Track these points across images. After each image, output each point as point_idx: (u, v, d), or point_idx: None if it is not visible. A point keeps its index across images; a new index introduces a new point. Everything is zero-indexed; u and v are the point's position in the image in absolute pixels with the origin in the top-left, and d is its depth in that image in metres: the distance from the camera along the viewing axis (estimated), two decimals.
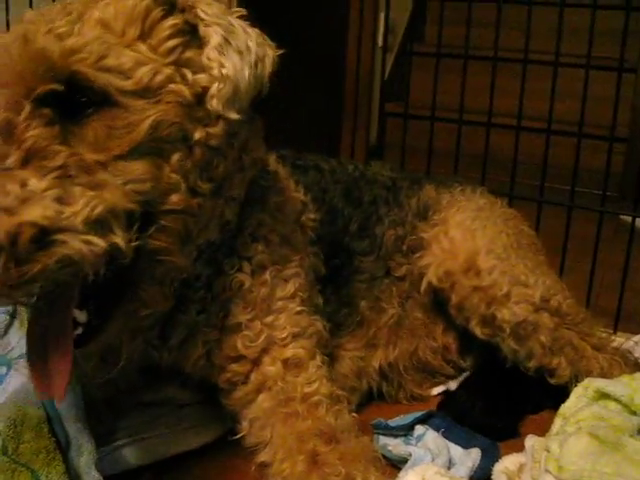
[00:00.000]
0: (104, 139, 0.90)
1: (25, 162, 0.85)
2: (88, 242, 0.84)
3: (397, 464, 1.25)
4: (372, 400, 1.48)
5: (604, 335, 1.54)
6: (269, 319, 1.17)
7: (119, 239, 0.88)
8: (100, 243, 0.85)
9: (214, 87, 0.98)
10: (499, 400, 1.43)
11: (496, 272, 1.42)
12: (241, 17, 1.05)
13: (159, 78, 0.94)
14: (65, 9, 0.96)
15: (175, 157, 0.96)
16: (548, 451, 1.10)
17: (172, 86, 0.96)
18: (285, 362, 1.16)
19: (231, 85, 0.99)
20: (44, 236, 0.81)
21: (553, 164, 1.95)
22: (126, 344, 1.09)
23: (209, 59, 0.99)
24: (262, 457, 1.12)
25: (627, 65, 1.87)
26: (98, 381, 1.18)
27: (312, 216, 1.33)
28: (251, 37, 1.03)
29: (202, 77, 0.99)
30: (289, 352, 1.16)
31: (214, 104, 0.98)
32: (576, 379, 1.38)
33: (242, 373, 1.17)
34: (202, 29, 1.00)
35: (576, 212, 1.89)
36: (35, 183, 0.83)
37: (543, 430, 1.22)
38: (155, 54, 0.96)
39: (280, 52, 1.06)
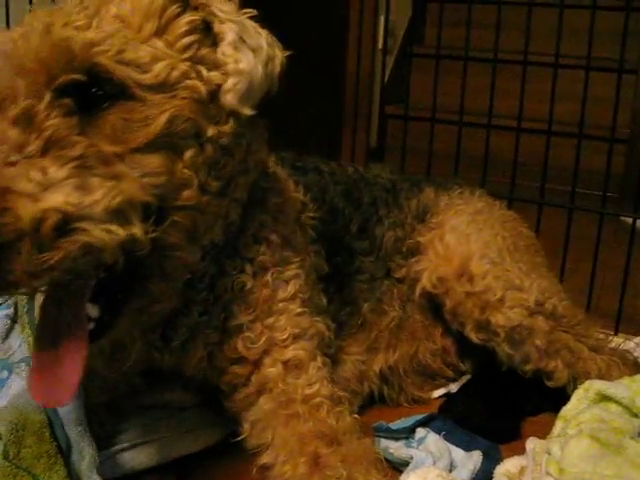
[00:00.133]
0: (121, 131, 0.90)
1: (44, 151, 0.85)
2: (109, 231, 0.85)
3: (399, 467, 1.25)
4: (373, 403, 1.47)
5: (601, 336, 1.53)
6: (270, 320, 1.17)
7: (137, 230, 0.88)
8: (120, 232, 0.86)
9: (229, 82, 0.99)
10: (499, 402, 1.43)
11: (489, 277, 1.41)
12: (251, 18, 1.06)
13: (175, 73, 0.95)
14: (81, 4, 0.96)
15: (188, 153, 0.96)
16: (549, 453, 1.10)
17: (188, 82, 0.96)
18: (286, 364, 1.15)
19: (246, 80, 1.00)
20: (66, 224, 0.81)
21: (553, 165, 1.96)
22: (136, 341, 1.11)
23: (225, 54, 1.00)
24: (264, 459, 1.12)
25: (627, 66, 1.87)
26: (112, 376, 1.19)
27: (312, 214, 1.33)
28: (262, 37, 1.04)
29: (215, 74, 1.00)
30: (290, 353, 1.16)
31: (229, 98, 0.99)
32: (574, 381, 1.38)
33: (243, 375, 1.17)
34: (217, 26, 1.01)
35: (577, 213, 1.89)
36: (55, 171, 0.84)
37: (544, 433, 1.22)
38: (171, 50, 0.96)
39: (287, 54, 1.07)
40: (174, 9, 0.99)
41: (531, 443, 1.20)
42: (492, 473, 1.20)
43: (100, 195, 0.85)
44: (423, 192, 1.60)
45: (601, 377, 1.36)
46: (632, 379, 1.25)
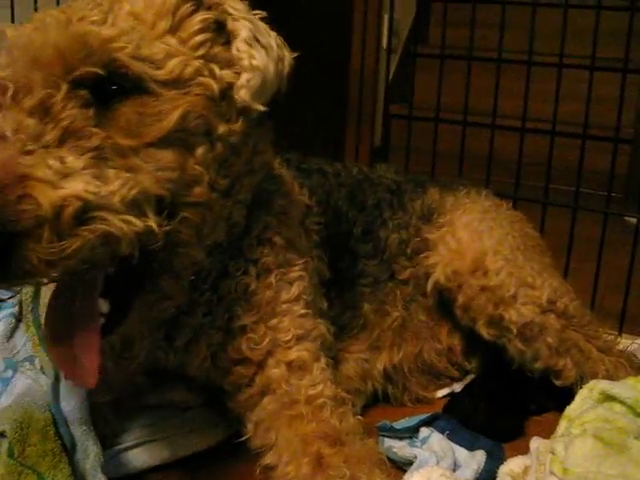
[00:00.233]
0: (136, 125, 0.91)
1: (61, 141, 0.86)
2: (127, 221, 0.86)
3: (402, 466, 1.25)
4: (377, 402, 1.48)
5: (610, 337, 1.54)
6: (273, 322, 1.17)
7: (152, 223, 0.89)
8: (138, 223, 0.87)
9: (243, 77, 1.00)
10: (503, 402, 1.43)
11: (504, 273, 1.42)
12: (261, 19, 1.07)
13: (189, 70, 0.96)
14: (94, 1, 0.97)
15: (200, 150, 0.97)
16: (553, 453, 1.10)
17: (200, 79, 0.97)
18: (289, 365, 1.16)
19: (260, 77, 1.01)
20: (85, 212, 0.82)
21: (557, 165, 1.95)
22: (145, 338, 1.12)
23: (239, 50, 1.01)
24: (267, 460, 1.12)
25: (632, 66, 1.85)
26: (119, 375, 1.20)
27: (316, 219, 1.33)
28: (272, 36, 1.05)
29: (227, 73, 1.01)
30: (293, 355, 1.16)
31: (242, 94, 1.00)
32: (581, 381, 1.38)
33: (247, 375, 1.18)
34: (231, 23, 1.02)
35: (581, 213, 1.89)
36: (73, 161, 0.84)
37: (548, 432, 1.22)
38: (184, 47, 0.97)
39: (294, 55, 1.08)
40: (187, 7, 1.00)
41: (535, 443, 1.20)
42: (496, 473, 1.20)
43: (117, 186, 0.86)
44: (427, 193, 1.60)
45: (608, 378, 1.36)
46: (637, 379, 1.24)
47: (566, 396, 1.29)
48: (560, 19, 1.85)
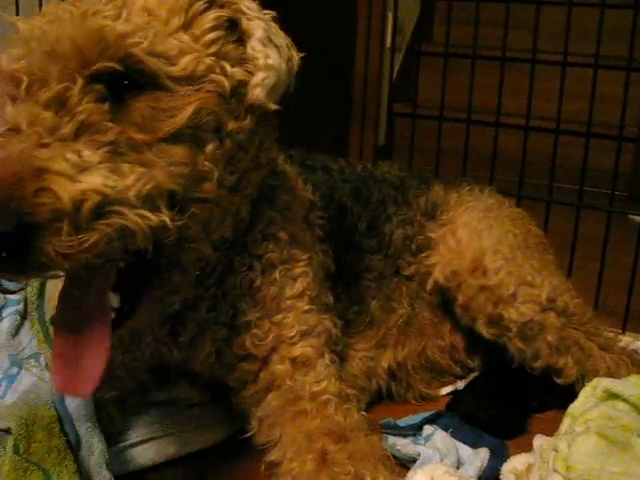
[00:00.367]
0: (149, 120, 0.91)
1: (77, 135, 0.86)
2: (143, 216, 0.86)
3: (406, 464, 1.25)
4: (381, 400, 1.48)
5: (611, 335, 1.54)
6: (278, 318, 1.17)
7: (165, 217, 0.90)
8: (153, 218, 0.87)
9: (259, 76, 1.01)
10: (506, 400, 1.43)
11: (503, 272, 1.42)
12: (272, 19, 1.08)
13: (201, 67, 0.96)
14: None
15: (210, 146, 0.98)
16: (556, 451, 1.10)
17: (213, 76, 0.98)
18: (293, 361, 1.16)
19: (275, 76, 1.02)
20: (102, 206, 0.82)
21: (561, 164, 1.95)
22: (153, 332, 1.12)
23: (254, 49, 1.02)
24: (271, 456, 1.12)
25: (635, 64, 1.85)
26: (123, 371, 1.20)
27: (319, 213, 1.33)
28: (282, 36, 1.06)
29: (238, 71, 1.01)
30: (297, 351, 1.16)
31: (257, 93, 1.01)
32: (583, 379, 1.39)
33: (251, 372, 1.18)
34: (245, 22, 1.02)
35: (584, 212, 1.89)
36: (89, 155, 0.84)
37: (551, 430, 1.22)
38: (197, 44, 0.98)
39: (301, 55, 1.09)
40: (200, 5, 1.00)
41: (538, 440, 1.20)
42: (499, 470, 1.20)
43: (132, 180, 0.86)
44: (432, 189, 1.60)
45: (610, 375, 1.36)
46: None
47: (569, 394, 1.30)
48: (564, 17, 1.85)
